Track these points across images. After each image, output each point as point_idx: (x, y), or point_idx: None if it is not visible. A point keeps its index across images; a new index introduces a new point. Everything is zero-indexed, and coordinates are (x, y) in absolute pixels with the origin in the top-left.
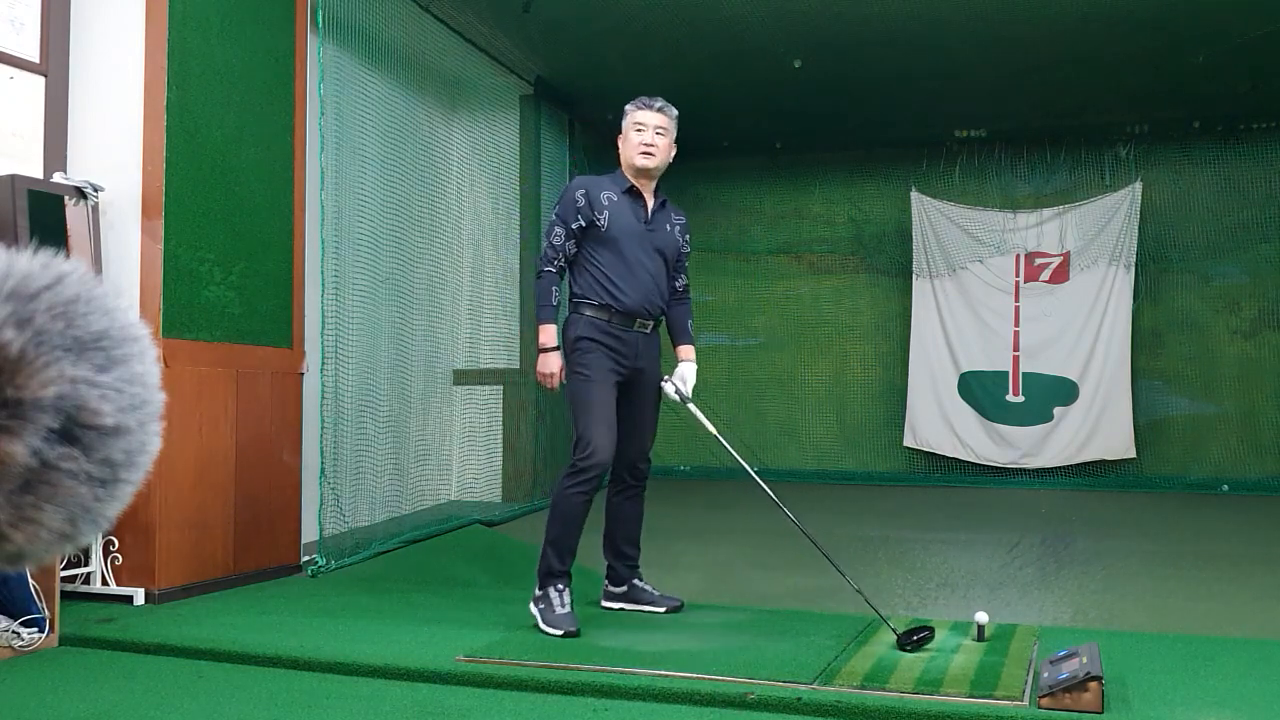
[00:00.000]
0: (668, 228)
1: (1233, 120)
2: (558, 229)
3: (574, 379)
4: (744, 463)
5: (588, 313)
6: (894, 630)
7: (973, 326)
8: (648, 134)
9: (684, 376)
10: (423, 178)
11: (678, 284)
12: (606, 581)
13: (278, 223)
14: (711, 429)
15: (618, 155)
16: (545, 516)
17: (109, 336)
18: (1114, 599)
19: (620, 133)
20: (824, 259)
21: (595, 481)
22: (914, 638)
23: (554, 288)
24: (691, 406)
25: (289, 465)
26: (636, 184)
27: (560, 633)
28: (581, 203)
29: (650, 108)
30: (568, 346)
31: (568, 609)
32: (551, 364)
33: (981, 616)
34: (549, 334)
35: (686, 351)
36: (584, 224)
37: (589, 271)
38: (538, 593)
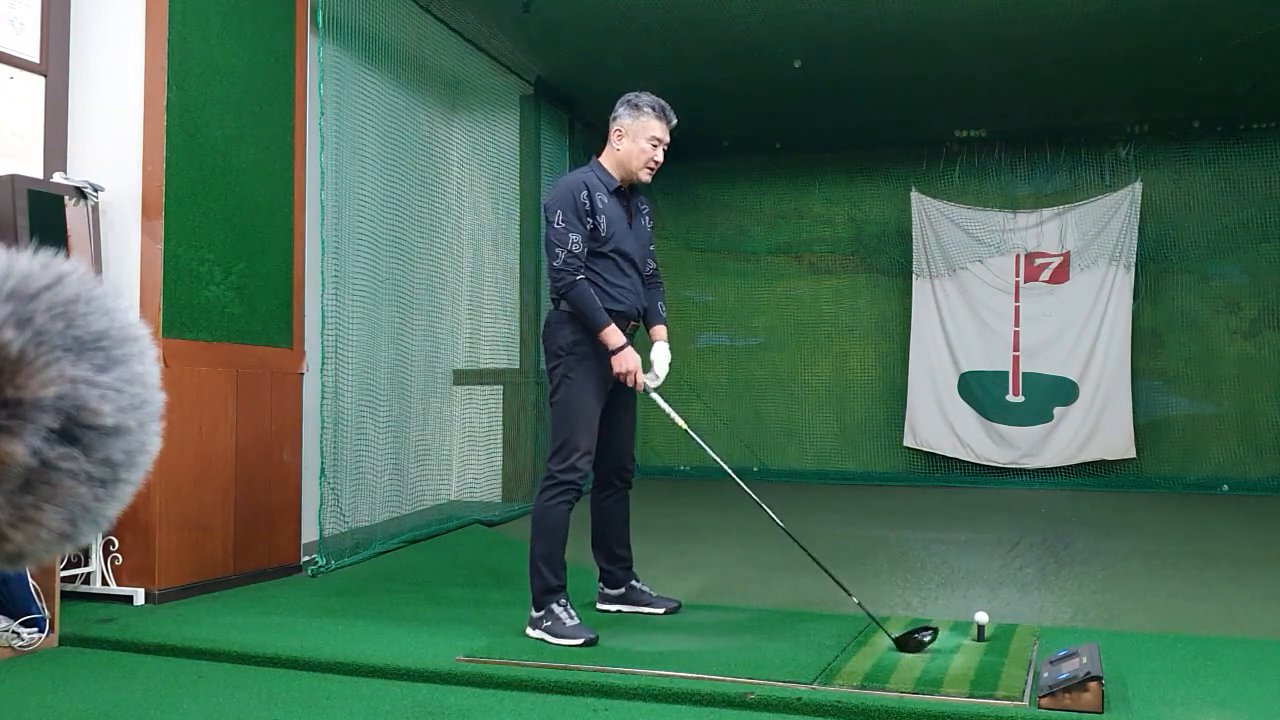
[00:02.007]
0: (643, 222)
1: (1233, 120)
2: (574, 235)
3: (564, 385)
4: (716, 456)
5: None
6: (887, 633)
7: (973, 326)
8: (660, 151)
9: (660, 357)
10: (423, 178)
11: (647, 270)
12: (601, 584)
13: (278, 223)
14: (680, 422)
15: (602, 144)
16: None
17: (109, 336)
18: (1114, 599)
19: (616, 123)
20: (824, 259)
21: (578, 491)
22: (916, 637)
23: (591, 290)
24: (655, 396)
25: (289, 465)
26: (622, 185)
27: (581, 642)
28: (587, 205)
29: (668, 122)
30: (563, 349)
31: (576, 619)
32: (629, 361)
33: (981, 616)
34: (615, 335)
35: (662, 331)
36: (592, 225)
37: (586, 276)
38: (537, 613)
